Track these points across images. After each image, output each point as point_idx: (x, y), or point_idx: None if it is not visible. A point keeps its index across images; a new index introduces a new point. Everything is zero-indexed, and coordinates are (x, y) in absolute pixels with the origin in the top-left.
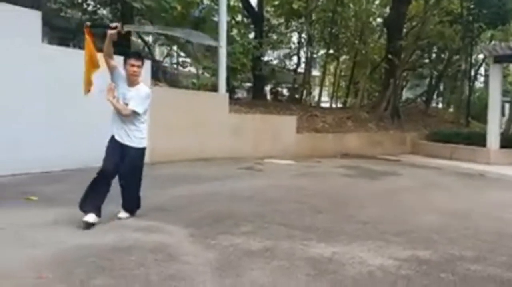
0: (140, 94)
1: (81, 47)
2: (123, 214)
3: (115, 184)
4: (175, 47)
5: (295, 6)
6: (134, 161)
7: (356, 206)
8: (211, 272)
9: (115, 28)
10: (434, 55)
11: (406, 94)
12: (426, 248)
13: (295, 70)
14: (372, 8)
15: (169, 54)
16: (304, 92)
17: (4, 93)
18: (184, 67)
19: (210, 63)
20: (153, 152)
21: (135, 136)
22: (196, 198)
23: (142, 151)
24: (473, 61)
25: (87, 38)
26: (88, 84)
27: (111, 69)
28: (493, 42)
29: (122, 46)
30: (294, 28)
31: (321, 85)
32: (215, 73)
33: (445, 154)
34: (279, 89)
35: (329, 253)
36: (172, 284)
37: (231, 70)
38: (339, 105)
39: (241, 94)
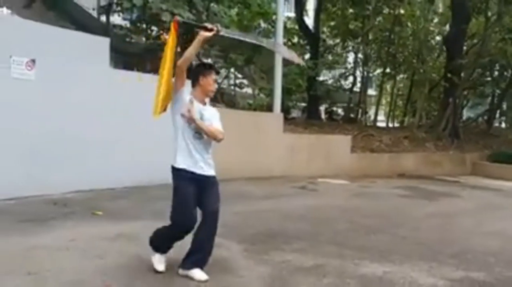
0: (216, 113)
1: (145, 71)
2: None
3: None
4: (232, 69)
5: (351, 26)
6: (217, 191)
7: (411, 227)
8: (264, 286)
9: (211, 30)
10: (496, 73)
11: (467, 113)
12: (480, 270)
13: (350, 90)
14: (430, 26)
15: (227, 76)
16: (360, 111)
17: (73, 114)
18: (241, 88)
19: (266, 84)
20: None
21: (210, 164)
22: (251, 215)
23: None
24: None
25: (173, 35)
26: (167, 99)
27: (183, 82)
28: None
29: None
30: (350, 48)
31: (377, 104)
32: (270, 94)
33: (508, 176)
34: (334, 109)
35: (380, 272)
36: None
37: (286, 91)
38: (396, 124)
39: (296, 114)
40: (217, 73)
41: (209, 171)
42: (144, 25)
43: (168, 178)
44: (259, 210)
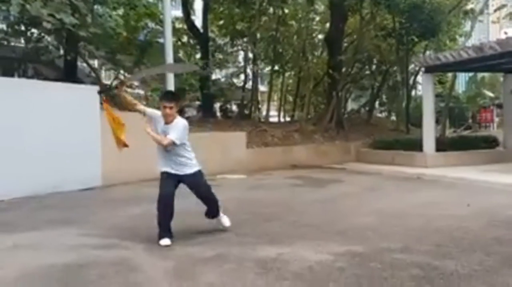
0: (178, 126)
1: (26, 76)
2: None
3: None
4: (122, 71)
5: (238, 26)
6: (198, 183)
7: (301, 212)
8: (169, 278)
9: (121, 84)
10: (374, 67)
11: (351, 105)
12: (359, 243)
13: (243, 87)
14: (312, 25)
15: (116, 78)
16: (253, 108)
17: None
18: (132, 89)
19: (158, 85)
20: (106, 174)
21: (186, 165)
22: (150, 216)
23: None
24: (411, 71)
25: (106, 106)
26: (120, 142)
27: (143, 113)
28: (427, 53)
29: (69, 73)
30: (239, 47)
31: (269, 100)
32: None
33: (387, 160)
34: (228, 106)
35: (275, 254)
36: None
37: (179, 91)
38: (287, 119)
39: (191, 113)
40: (169, 100)
41: (183, 171)
42: (23, 28)
43: (59, 186)
44: None
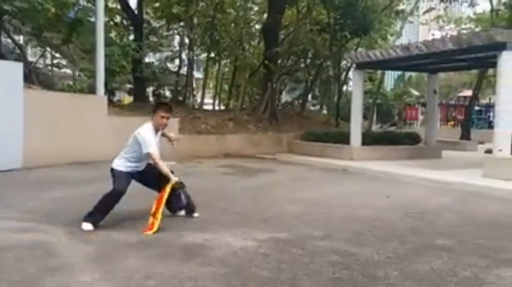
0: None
1: None
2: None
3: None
4: (48, 49)
5: (174, 10)
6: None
7: (231, 199)
8: (89, 262)
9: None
10: (309, 60)
11: (285, 97)
12: (284, 230)
13: (177, 73)
14: (250, 14)
15: (42, 55)
16: (187, 94)
17: None
18: (59, 68)
19: (88, 65)
20: (28, 156)
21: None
22: (74, 199)
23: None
24: (344, 66)
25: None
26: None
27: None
28: (359, 49)
29: None
30: (175, 31)
31: (204, 88)
32: (92, 75)
33: (316, 152)
34: (162, 91)
35: (201, 240)
36: (50, 274)
37: (109, 73)
38: (222, 107)
39: (122, 96)
40: (168, 110)
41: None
42: None
43: None
44: (83, 194)
